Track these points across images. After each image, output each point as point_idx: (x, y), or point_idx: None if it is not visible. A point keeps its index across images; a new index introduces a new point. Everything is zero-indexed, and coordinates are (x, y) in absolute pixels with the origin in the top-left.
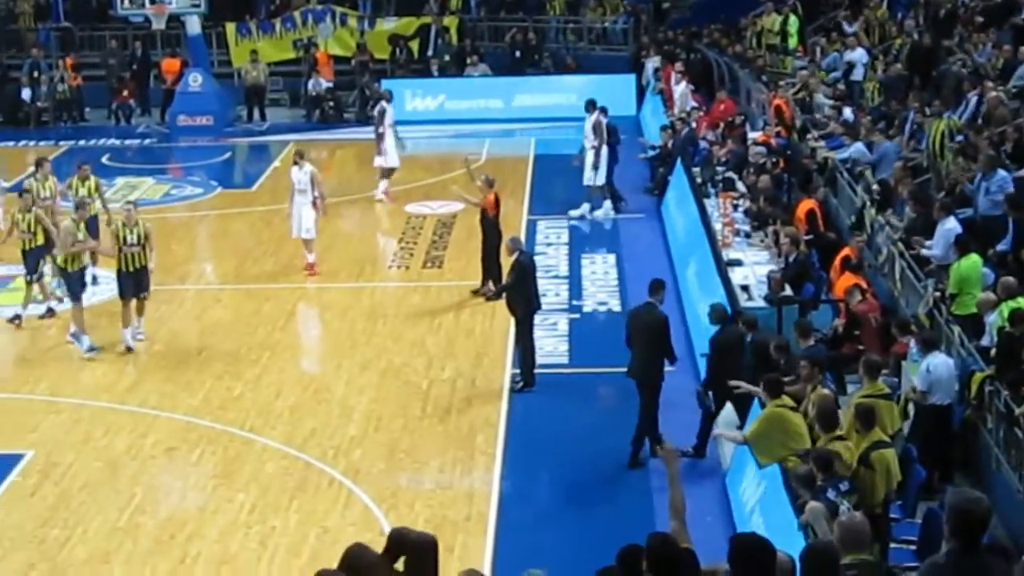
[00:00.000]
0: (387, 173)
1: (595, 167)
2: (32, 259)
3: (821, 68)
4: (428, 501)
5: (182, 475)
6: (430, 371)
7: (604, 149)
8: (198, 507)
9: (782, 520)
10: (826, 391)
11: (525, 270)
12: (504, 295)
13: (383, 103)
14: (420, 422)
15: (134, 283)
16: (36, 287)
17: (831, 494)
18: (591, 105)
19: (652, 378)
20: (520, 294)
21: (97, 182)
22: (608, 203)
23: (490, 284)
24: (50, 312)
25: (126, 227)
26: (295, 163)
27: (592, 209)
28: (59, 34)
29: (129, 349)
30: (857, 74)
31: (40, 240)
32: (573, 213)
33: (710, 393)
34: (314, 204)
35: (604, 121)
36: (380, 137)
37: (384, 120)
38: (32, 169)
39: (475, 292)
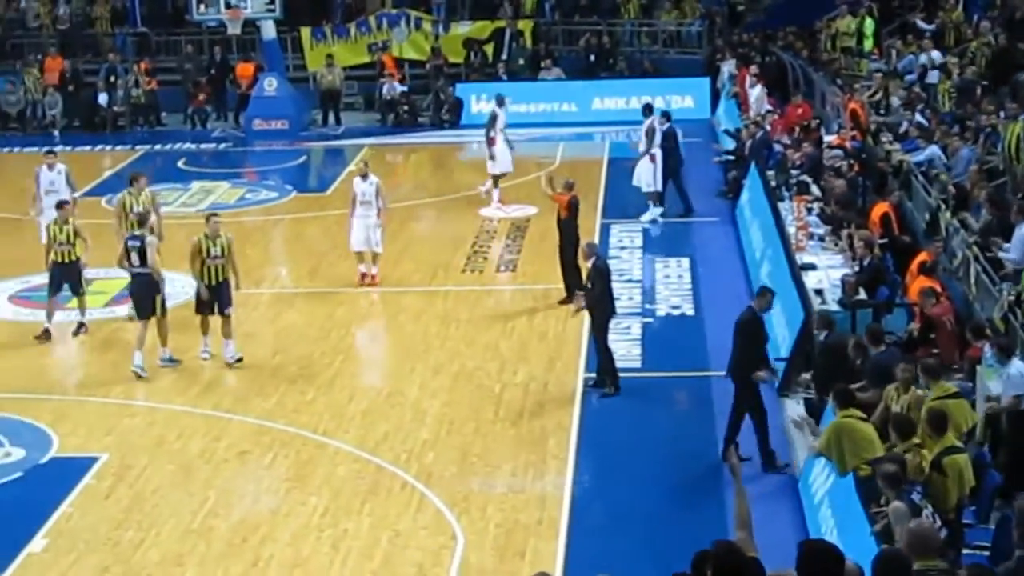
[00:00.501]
0: (498, 179)
1: (654, 171)
2: (74, 272)
3: (897, 71)
4: (500, 505)
5: (255, 478)
6: (503, 375)
7: (659, 153)
8: (271, 510)
9: (851, 521)
10: (920, 392)
11: (604, 274)
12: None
13: (495, 107)
14: (492, 426)
15: (217, 297)
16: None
17: (916, 496)
18: (647, 109)
19: (744, 379)
20: (600, 299)
21: (152, 195)
22: (657, 208)
23: (580, 299)
24: (82, 327)
25: (209, 239)
26: (361, 175)
27: (662, 213)
28: (135, 39)
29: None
30: (932, 77)
31: (79, 252)
32: (644, 218)
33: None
34: (379, 215)
35: (660, 127)
36: (491, 142)
37: (496, 124)
38: (128, 185)
39: (561, 302)
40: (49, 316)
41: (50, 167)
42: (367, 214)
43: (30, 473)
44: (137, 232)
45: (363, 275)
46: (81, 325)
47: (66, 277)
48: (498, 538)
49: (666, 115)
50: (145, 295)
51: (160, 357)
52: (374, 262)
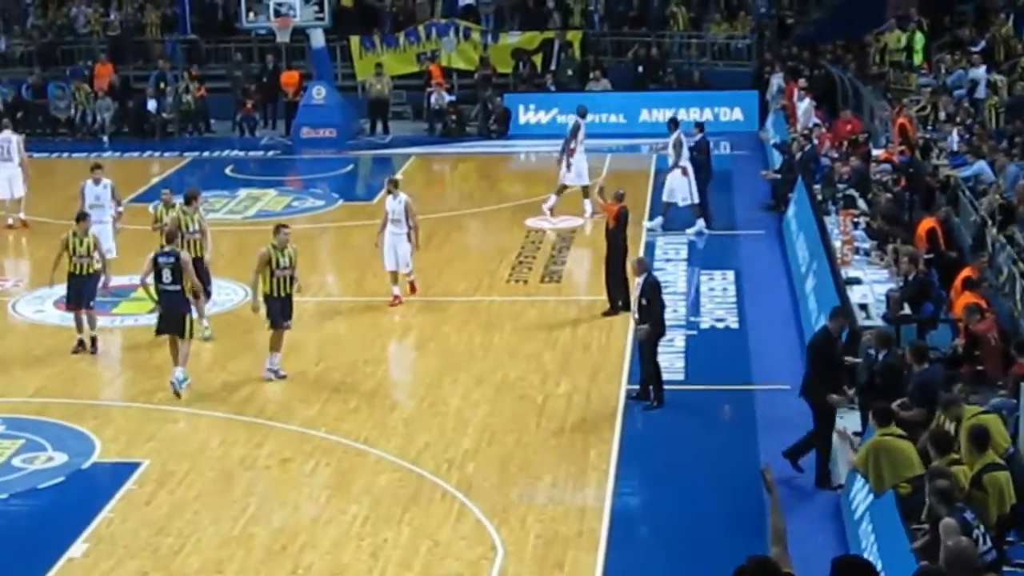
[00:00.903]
0: (564, 190)
1: (689, 184)
2: (91, 285)
3: (945, 85)
4: (540, 516)
5: (296, 486)
6: (545, 386)
7: (689, 166)
8: (311, 518)
9: (891, 537)
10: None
11: (658, 290)
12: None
13: (577, 118)
14: (534, 437)
15: (282, 309)
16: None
17: (968, 515)
18: (673, 124)
19: (818, 399)
20: (652, 313)
21: (180, 208)
22: (702, 221)
23: (635, 314)
24: (82, 346)
25: (277, 249)
26: (389, 192)
27: (706, 224)
28: (185, 46)
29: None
30: (980, 92)
31: (97, 266)
32: (690, 231)
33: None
34: (408, 236)
35: (689, 138)
36: (570, 152)
37: (577, 136)
38: (181, 202)
39: (605, 314)
40: (79, 326)
41: (96, 181)
42: (398, 232)
43: (72, 478)
44: (168, 248)
45: (395, 297)
46: (90, 341)
47: (82, 289)
48: (537, 549)
49: (699, 126)
50: (177, 313)
51: (174, 376)
52: (395, 281)
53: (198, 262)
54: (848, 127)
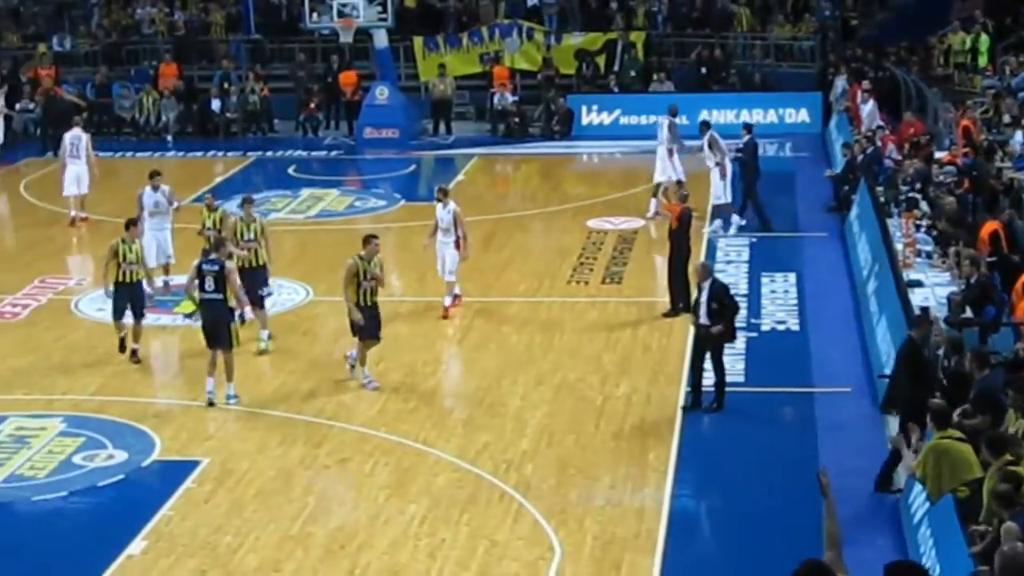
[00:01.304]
0: (657, 189)
1: (724, 185)
2: (138, 293)
3: (1010, 87)
4: (598, 517)
5: (354, 486)
6: (605, 387)
7: (728, 165)
8: (369, 518)
9: (950, 541)
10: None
11: (727, 292)
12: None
13: (669, 118)
14: (593, 438)
15: (372, 320)
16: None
17: None
18: (704, 126)
19: (908, 407)
20: (725, 316)
21: (223, 213)
22: (737, 217)
23: (700, 318)
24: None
25: (364, 260)
26: (439, 200)
27: (724, 226)
28: (249, 46)
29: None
30: None
31: (142, 273)
32: (731, 232)
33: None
34: (457, 245)
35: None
36: (670, 153)
37: (672, 134)
38: (236, 207)
39: (666, 315)
40: (122, 343)
41: (155, 188)
42: (447, 242)
43: (132, 476)
44: (213, 256)
45: (445, 308)
46: (134, 352)
47: (130, 298)
48: (595, 551)
49: (747, 127)
50: (220, 323)
51: (225, 395)
52: (448, 291)
53: (258, 270)
54: (911, 129)
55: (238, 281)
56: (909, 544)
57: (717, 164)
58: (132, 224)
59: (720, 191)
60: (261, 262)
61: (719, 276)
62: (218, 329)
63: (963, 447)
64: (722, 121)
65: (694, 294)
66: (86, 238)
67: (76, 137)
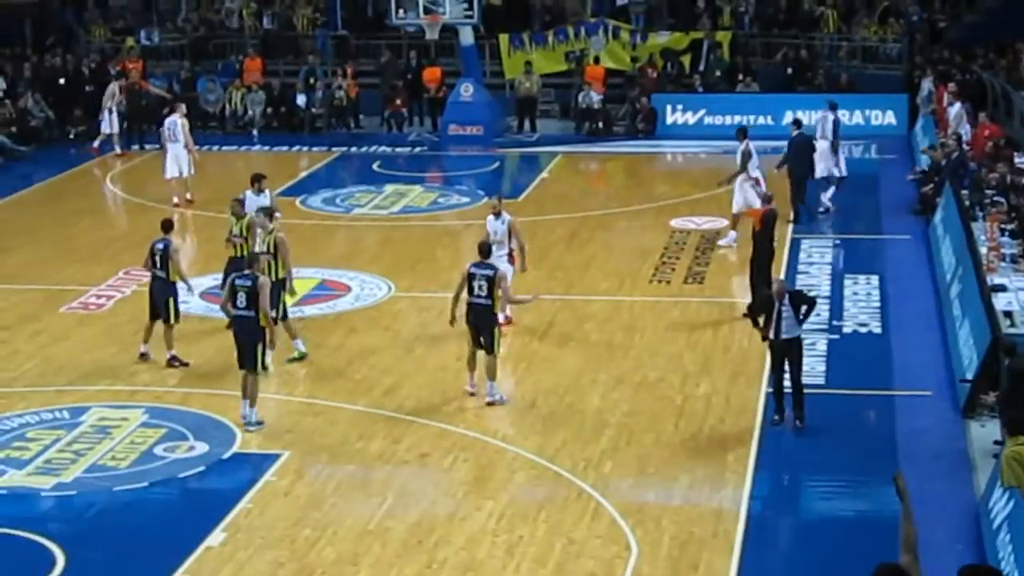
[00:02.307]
0: (839, 181)
1: (745, 194)
2: (166, 295)
3: None
4: (675, 517)
5: (433, 481)
6: (685, 387)
7: (759, 175)
8: (447, 513)
9: None
10: None
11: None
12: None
13: (833, 113)
14: (672, 438)
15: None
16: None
17: None
18: (742, 133)
19: None
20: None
21: (250, 221)
22: (734, 233)
23: (779, 333)
24: (175, 361)
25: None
26: (493, 213)
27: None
28: (335, 42)
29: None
30: None
31: (174, 277)
32: (721, 243)
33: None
34: (511, 258)
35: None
36: (834, 147)
37: (837, 131)
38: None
39: (746, 315)
40: (144, 346)
41: (259, 192)
42: (499, 255)
43: (212, 468)
44: (248, 271)
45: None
46: (173, 359)
47: (159, 299)
48: (672, 550)
49: (796, 123)
50: (247, 343)
51: (245, 419)
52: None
53: (273, 286)
54: (986, 132)
55: (268, 299)
56: (988, 550)
57: (748, 174)
58: (170, 226)
59: (742, 201)
60: (275, 277)
61: (800, 278)
62: (245, 348)
63: None
64: (809, 122)
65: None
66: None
67: (173, 123)
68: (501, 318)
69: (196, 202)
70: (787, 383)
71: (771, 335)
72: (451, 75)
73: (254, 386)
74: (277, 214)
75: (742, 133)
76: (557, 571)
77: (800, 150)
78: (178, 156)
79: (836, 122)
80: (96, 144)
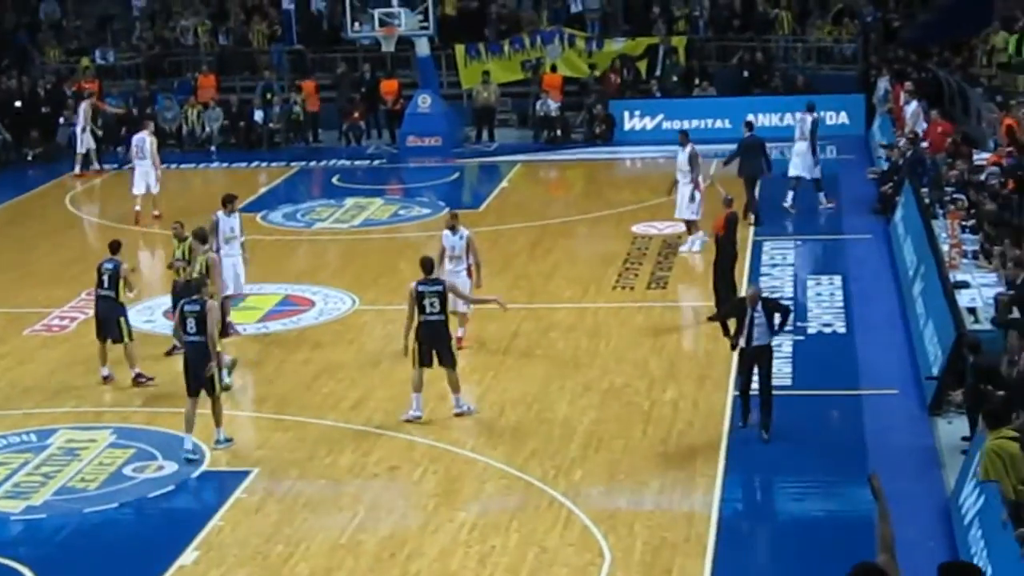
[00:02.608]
0: (797, 183)
1: (692, 199)
2: (115, 316)
3: None
4: (647, 522)
5: (404, 494)
6: (652, 392)
7: (702, 181)
8: (419, 526)
9: (1002, 543)
10: None
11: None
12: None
13: (811, 115)
14: (641, 443)
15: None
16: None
17: None
18: (684, 137)
19: None
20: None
21: (191, 245)
22: (692, 237)
23: (750, 340)
24: (141, 378)
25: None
26: (449, 227)
27: (695, 242)
28: (291, 56)
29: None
30: None
31: (123, 299)
32: (683, 249)
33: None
34: (469, 273)
35: (686, 150)
36: (812, 148)
37: (816, 131)
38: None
39: (711, 319)
40: (103, 360)
41: (229, 213)
42: (456, 269)
43: (182, 486)
44: (196, 296)
45: (458, 339)
46: (139, 376)
47: (109, 319)
48: (645, 556)
49: (747, 124)
50: (200, 368)
51: (215, 440)
52: (461, 324)
53: None
54: (940, 129)
55: (217, 322)
56: (960, 546)
57: (692, 180)
58: (117, 247)
59: (695, 208)
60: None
61: (763, 280)
62: (199, 374)
63: (1015, 446)
64: (767, 124)
65: (732, 315)
66: (133, 250)
67: (141, 139)
68: (461, 331)
69: (162, 217)
70: (754, 388)
71: (742, 342)
72: (408, 87)
73: (217, 406)
74: (239, 238)
75: (684, 137)
76: None
77: (750, 151)
78: (146, 173)
79: (815, 123)
80: (78, 169)
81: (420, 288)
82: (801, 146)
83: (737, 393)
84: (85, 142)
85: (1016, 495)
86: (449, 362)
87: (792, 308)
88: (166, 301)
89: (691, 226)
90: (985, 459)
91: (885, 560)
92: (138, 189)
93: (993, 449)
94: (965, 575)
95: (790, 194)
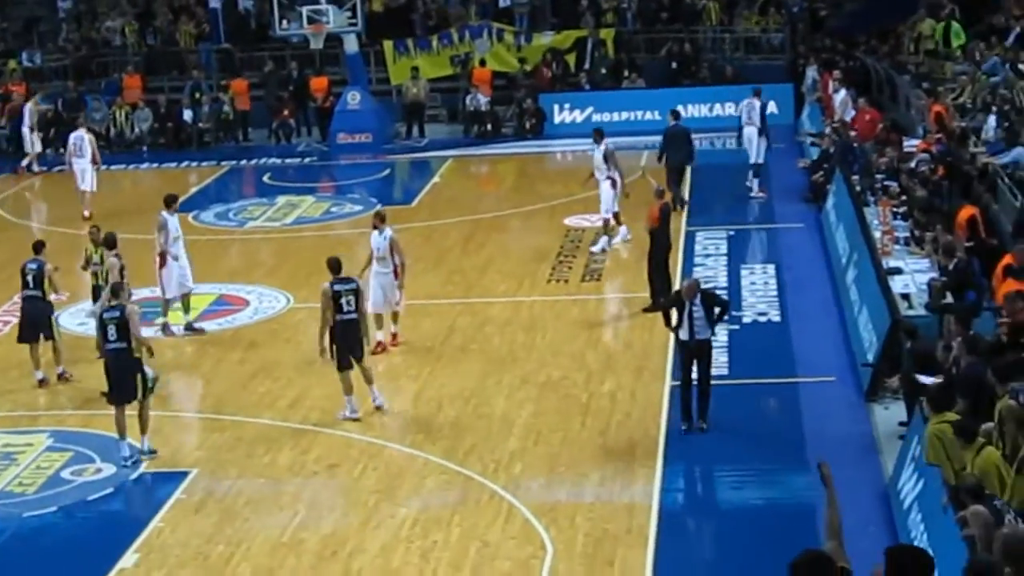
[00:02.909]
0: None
1: (607, 196)
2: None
3: (982, 72)
4: (588, 514)
5: (344, 491)
6: (589, 384)
7: (618, 177)
8: (360, 523)
9: (941, 527)
10: (1012, 402)
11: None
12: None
13: (759, 100)
14: (580, 435)
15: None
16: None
17: (997, 502)
18: (599, 134)
19: None
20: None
21: (102, 254)
22: (624, 228)
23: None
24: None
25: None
26: (374, 227)
27: (610, 240)
28: (219, 56)
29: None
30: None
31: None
32: (594, 248)
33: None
34: (395, 273)
35: (603, 146)
36: (761, 132)
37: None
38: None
39: (646, 310)
40: (37, 365)
41: (173, 213)
42: (383, 270)
43: (121, 489)
44: (113, 303)
45: (379, 343)
46: (63, 373)
47: (39, 319)
48: (587, 548)
49: (674, 113)
50: (125, 376)
51: (141, 450)
52: (395, 321)
53: None
54: (867, 117)
55: (139, 326)
56: (900, 530)
57: (608, 177)
58: (40, 247)
59: (609, 203)
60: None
61: (697, 270)
62: (125, 382)
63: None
64: (696, 115)
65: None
66: (62, 254)
67: (79, 137)
68: (384, 336)
69: (70, 232)
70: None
71: (682, 335)
72: (337, 84)
73: (144, 414)
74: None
75: (599, 134)
76: (473, 574)
77: (675, 140)
78: (84, 171)
79: (763, 107)
80: (24, 164)
81: (336, 288)
82: (751, 131)
83: (677, 383)
84: (35, 142)
85: (956, 479)
86: (360, 356)
87: (730, 303)
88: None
89: (607, 223)
90: (927, 443)
91: (833, 547)
92: (87, 185)
93: (934, 433)
94: (914, 559)
95: (756, 182)
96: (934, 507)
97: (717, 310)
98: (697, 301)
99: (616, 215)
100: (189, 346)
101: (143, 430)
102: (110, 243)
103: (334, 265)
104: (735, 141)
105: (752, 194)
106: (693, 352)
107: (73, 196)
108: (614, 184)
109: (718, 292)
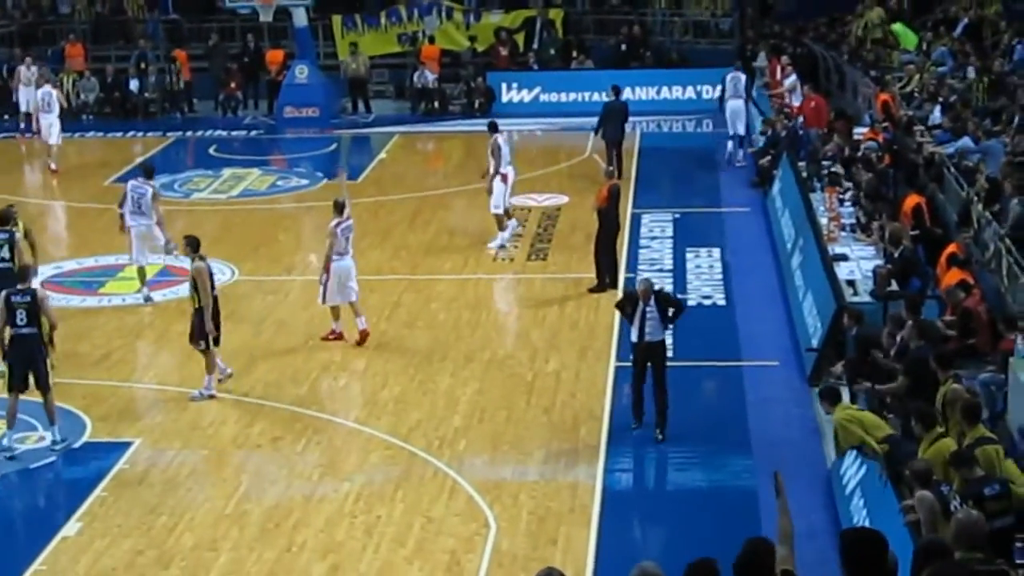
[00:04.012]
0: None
1: (489, 192)
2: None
3: (931, 62)
4: (532, 492)
5: (288, 464)
6: (534, 363)
7: (510, 172)
8: (304, 496)
9: (883, 509)
10: (957, 386)
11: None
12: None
13: (740, 72)
14: (524, 414)
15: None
16: None
17: (944, 488)
18: (492, 127)
19: None
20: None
21: (26, 226)
22: (513, 222)
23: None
24: None
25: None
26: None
27: (506, 236)
28: (167, 26)
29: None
30: (969, 71)
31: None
32: (491, 245)
33: None
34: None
35: (503, 142)
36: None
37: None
38: None
39: (591, 290)
40: None
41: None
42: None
43: (63, 457)
44: (22, 286)
45: (332, 332)
46: None
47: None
48: (531, 525)
49: (615, 89)
50: (27, 361)
51: (51, 440)
52: (357, 313)
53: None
54: (812, 104)
55: (51, 309)
56: (842, 515)
57: (498, 172)
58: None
59: (499, 199)
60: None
61: (643, 252)
62: (33, 368)
63: (864, 412)
64: (644, 97)
65: (621, 296)
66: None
67: (47, 93)
68: (338, 326)
69: (14, 198)
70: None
71: (634, 336)
72: (286, 57)
73: (51, 403)
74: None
75: (493, 127)
76: (417, 550)
77: (612, 115)
78: (51, 125)
79: (748, 80)
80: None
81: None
82: (737, 104)
83: (621, 365)
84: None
85: (882, 450)
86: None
87: (685, 304)
88: (43, 271)
89: (499, 219)
90: (838, 433)
91: (784, 554)
92: (45, 137)
93: (840, 421)
94: (870, 543)
95: (740, 152)
96: (875, 492)
97: (671, 311)
98: (651, 303)
99: (507, 210)
100: (132, 316)
101: (51, 419)
102: (3, 219)
103: (20, 272)
104: (710, 121)
105: (736, 161)
106: (645, 353)
107: (9, 162)
108: (504, 180)
109: (671, 293)
